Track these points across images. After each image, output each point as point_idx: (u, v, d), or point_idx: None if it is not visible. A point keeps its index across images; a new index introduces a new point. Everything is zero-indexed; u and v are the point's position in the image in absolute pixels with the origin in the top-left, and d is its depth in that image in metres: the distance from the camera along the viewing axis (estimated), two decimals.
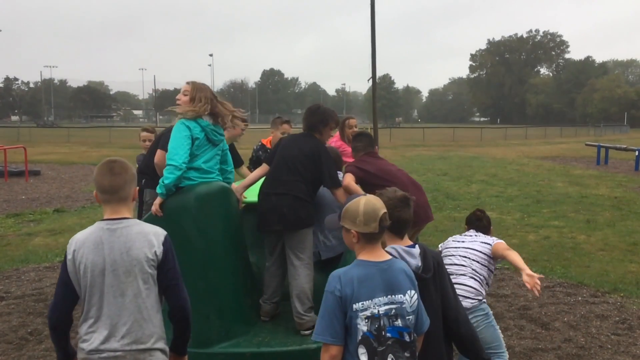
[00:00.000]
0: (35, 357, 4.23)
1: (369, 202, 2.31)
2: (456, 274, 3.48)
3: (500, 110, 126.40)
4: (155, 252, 2.34)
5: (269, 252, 3.92)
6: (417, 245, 2.59)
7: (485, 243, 3.65)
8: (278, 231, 3.75)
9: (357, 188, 4.08)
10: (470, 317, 3.20)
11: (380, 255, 2.32)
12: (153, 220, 3.41)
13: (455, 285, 3.23)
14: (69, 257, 2.30)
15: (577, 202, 11.71)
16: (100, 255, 2.28)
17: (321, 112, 4.01)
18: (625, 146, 22.09)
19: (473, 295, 3.41)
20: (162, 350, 2.42)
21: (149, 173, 4.73)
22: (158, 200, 3.45)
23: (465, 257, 3.59)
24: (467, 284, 3.43)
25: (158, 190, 3.45)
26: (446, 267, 3.41)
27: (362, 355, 2.19)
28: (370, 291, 2.22)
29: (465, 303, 3.29)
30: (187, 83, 3.76)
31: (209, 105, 3.64)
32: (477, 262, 3.55)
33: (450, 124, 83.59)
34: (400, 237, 2.59)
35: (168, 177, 3.40)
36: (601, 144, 22.18)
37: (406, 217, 2.56)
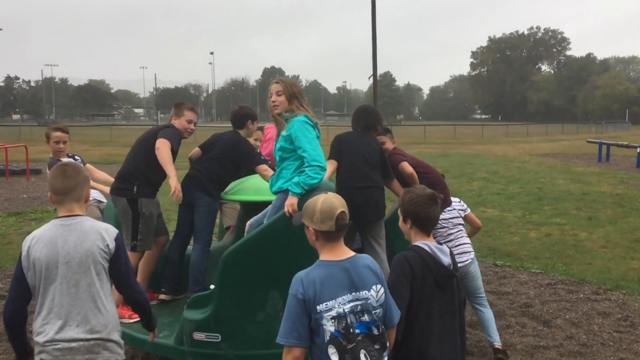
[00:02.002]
0: None
1: (327, 200, 2.31)
2: (458, 237, 4.28)
3: (502, 107, 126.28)
4: (107, 245, 2.44)
5: None
6: (444, 245, 2.63)
7: (461, 210, 4.47)
8: (371, 221, 3.94)
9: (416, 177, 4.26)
10: (472, 268, 4.22)
11: (341, 254, 2.32)
12: (287, 221, 3.27)
13: (462, 246, 4.24)
14: (24, 253, 2.39)
15: (579, 199, 11.70)
16: (54, 249, 2.36)
17: (377, 112, 4.40)
18: (626, 143, 22.08)
19: (472, 249, 4.33)
20: (116, 343, 2.47)
21: (140, 178, 4.12)
22: (294, 200, 3.35)
23: (456, 225, 4.37)
24: (467, 242, 4.33)
25: (296, 189, 3.38)
26: (447, 236, 4.31)
27: (332, 355, 2.19)
28: (333, 291, 2.21)
29: (472, 256, 4.25)
30: (277, 82, 3.75)
31: (305, 100, 3.70)
32: (462, 224, 4.43)
33: (451, 122, 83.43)
34: (427, 235, 2.60)
35: (315, 177, 3.43)
36: (603, 141, 22.17)
37: (435, 215, 2.58)
